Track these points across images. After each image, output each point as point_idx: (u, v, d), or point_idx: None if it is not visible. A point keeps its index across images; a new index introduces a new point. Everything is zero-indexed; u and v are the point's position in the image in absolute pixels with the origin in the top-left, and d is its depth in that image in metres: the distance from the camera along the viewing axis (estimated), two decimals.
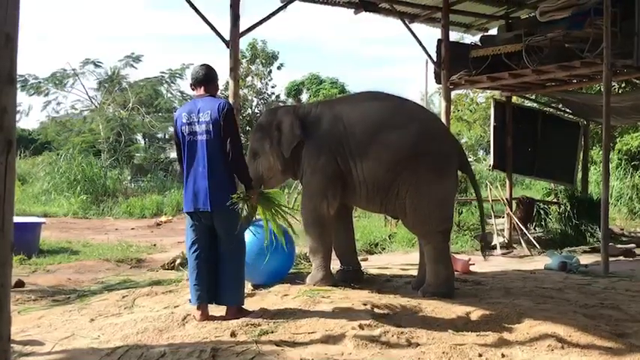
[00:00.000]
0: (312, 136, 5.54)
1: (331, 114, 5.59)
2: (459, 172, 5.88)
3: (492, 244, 9.78)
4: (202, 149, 4.32)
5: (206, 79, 4.50)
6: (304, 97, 27.90)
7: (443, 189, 5.36)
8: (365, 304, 4.71)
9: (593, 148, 14.49)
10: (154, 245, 9.79)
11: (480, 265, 7.55)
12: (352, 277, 5.88)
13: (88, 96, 20.60)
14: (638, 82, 11.08)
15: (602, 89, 8.26)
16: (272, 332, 4.04)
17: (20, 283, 5.95)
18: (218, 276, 4.48)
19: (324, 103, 6.38)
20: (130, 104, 20.49)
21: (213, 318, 4.37)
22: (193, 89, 4.58)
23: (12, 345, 2.90)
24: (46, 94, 20.35)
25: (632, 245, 9.53)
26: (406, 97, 5.93)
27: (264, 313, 4.44)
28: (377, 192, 5.39)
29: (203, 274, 4.45)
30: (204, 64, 4.57)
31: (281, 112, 5.86)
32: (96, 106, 20.71)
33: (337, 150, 5.42)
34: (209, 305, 4.48)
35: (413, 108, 5.83)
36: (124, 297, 5.29)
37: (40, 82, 20.07)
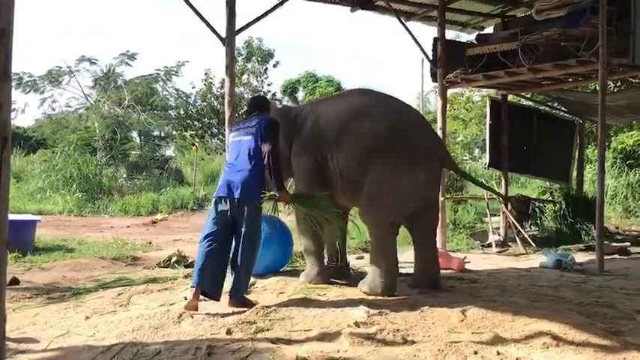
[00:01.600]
0: (299, 136, 5.65)
1: (316, 113, 5.70)
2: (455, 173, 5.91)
3: (488, 242, 9.82)
4: (245, 147, 4.85)
5: (259, 107, 5.24)
6: (300, 95, 27.89)
7: (403, 181, 5.22)
8: (361, 302, 4.73)
9: (589, 146, 14.53)
10: (150, 243, 9.78)
11: (476, 262, 7.58)
12: (336, 272, 5.93)
13: (84, 93, 20.47)
14: (633, 80, 11.13)
15: (597, 88, 8.28)
16: (268, 330, 4.06)
17: (15, 281, 5.94)
18: (233, 265, 4.77)
19: (315, 102, 6.55)
20: (126, 102, 20.39)
21: (208, 315, 4.38)
22: (248, 115, 5.33)
23: (7, 342, 2.90)
24: (42, 92, 20.24)
25: (627, 244, 9.56)
26: (393, 95, 5.87)
27: (260, 311, 4.45)
28: (349, 184, 5.43)
29: (208, 265, 4.68)
30: (260, 97, 5.99)
31: (276, 114, 5.93)
32: (91, 104, 20.61)
33: (318, 147, 5.51)
34: (207, 303, 4.66)
35: (390, 103, 5.73)
36: (119, 295, 5.29)
37: (35, 80, 19.95)
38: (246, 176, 4.74)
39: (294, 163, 5.67)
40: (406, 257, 8.37)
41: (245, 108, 22.95)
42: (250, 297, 4.92)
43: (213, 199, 4.88)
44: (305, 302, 4.75)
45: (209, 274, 4.66)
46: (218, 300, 4.72)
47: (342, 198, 5.67)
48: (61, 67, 19.96)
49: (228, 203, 4.75)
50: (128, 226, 12.45)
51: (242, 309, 4.55)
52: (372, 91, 5.83)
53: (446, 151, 5.83)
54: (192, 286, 4.67)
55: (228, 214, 4.74)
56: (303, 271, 5.86)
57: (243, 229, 4.72)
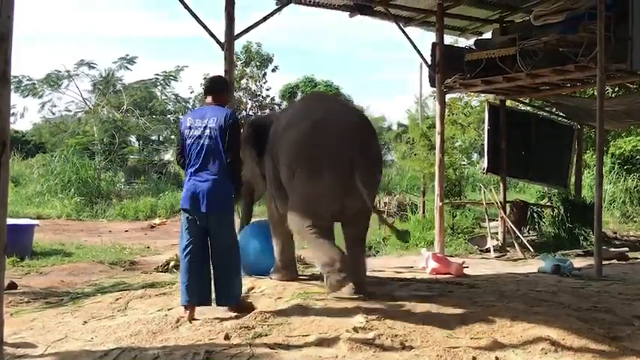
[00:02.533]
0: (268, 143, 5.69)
1: (275, 122, 5.76)
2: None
3: (486, 247, 9.81)
4: (205, 153, 4.51)
5: (214, 88, 4.79)
6: None
7: (313, 185, 5.04)
8: (359, 307, 4.71)
9: (587, 151, 14.55)
10: (148, 248, 9.77)
11: (474, 267, 7.58)
12: None
13: (82, 98, 20.51)
14: (631, 86, 11.13)
15: (595, 93, 8.28)
16: (266, 335, 4.05)
17: (13, 285, 5.93)
18: (217, 276, 4.61)
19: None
20: (125, 106, 20.43)
21: (206, 320, 4.37)
22: (205, 97, 4.88)
23: (4, 347, 2.89)
24: (41, 96, 20.27)
25: (625, 249, 9.56)
26: (337, 97, 5.83)
27: (258, 316, 4.44)
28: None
29: (195, 276, 4.54)
30: (216, 75, 4.95)
31: (256, 123, 6.01)
32: (90, 108, 20.63)
33: (272, 153, 5.55)
34: (204, 306, 4.59)
35: (320, 106, 5.61)
36: (117, 299, 5.28)
37: (34, 84, 19.97)
38: (211, 186, 4.46)
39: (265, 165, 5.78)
40: (403, 262, 8.40)
41: (243, 112, 23.07)
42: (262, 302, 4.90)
43: (181, 210, 4.70)
44: (303, 307, 4.73)
45: (196, 287, 4.52)
46: (210, 304, 4.64)
47: None
48: (60, 71, 20.01)
49: (196, 216, 4.53)
50: (126, 231, 12.44)
51: (241, 313, 4.52)
52: (317, 97, 5.87)
53: (361, 155, 5.08)
54: (183, 305, 4.50)
55: (198, 223, 4.55)
56: (304, 275, 5.94)
57: (218, 240, 4.56)
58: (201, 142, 4.52)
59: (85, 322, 4.52)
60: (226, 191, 4.55)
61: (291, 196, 5.20)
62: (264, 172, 5.78)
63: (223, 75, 7.32)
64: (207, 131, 4.51)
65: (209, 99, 4.74)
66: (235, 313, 4.56)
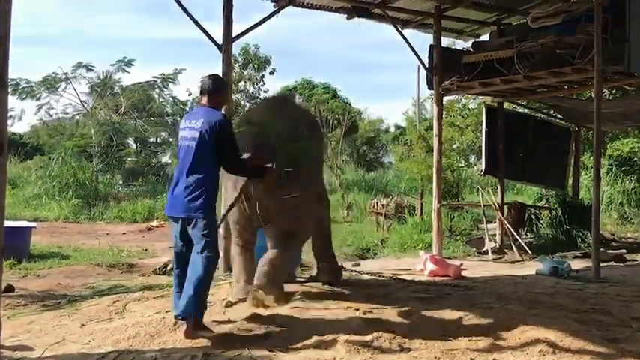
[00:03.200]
0: None
1: None
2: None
3: (484, 248, 9.81)
4: (188, 156, 4.36)
5: (207, 89, 4.55)
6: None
7: (229, 195, 5.25)
8: (357, 309, 4.72)
9: (584, 153, 14.57)
10: (146, 250, 9.75)
11: (472, 269, 7.58)
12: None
13: (80, 100, 20.47)
14: (628, 88, 11.15)
15: (592, 95, 8.29)
16: (265, 337, 4.04)
17: (10, 288, 5.92)
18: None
19: None
20: (122, 109, 20.39)
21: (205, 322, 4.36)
22: (200, 99, 4.68)
23: (1, 350, 2.89)
24: (38, 98, 20.24)
25: (623, 250, 9.56)
26: (280, 100, 5.86)
27: (256, 318, 4.43)
28: None
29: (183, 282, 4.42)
30: (212, 75, 4.67)
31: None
32: (88, 111, 20.61)
33: None
34: None
35: (259, 109, 5.93)
36: (115, 302, 5.28)
37: (32, 86, 19.93)
38: (189, 192, 4.28)
39: None
40: (401, 264, 8.40)
41: (241, 114, 23.07)
42: (247, 304, 4.87)
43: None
44: (302, 309, 4.74)
45: None
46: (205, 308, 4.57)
47: None
48: (57, 74, 19.96)
49: (175, 221, 4.45)
50: (124, 233, 12.41)
51: (196, 337, 4.06)
52: (266, 100, 5.86)
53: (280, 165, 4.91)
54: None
55: (180, 229, 4.44)
56: (305, 277, 5.95)
57: (195, 248, 4.30)
58: (188, 144, 4.38)
59: (83, 324, 4.51)
60: (204, 195, 4.28)
61: None
62: None
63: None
64: (194, 134, 4.34)
65: (204, 100, 4.56)
66: (188, 335, 4.06)
